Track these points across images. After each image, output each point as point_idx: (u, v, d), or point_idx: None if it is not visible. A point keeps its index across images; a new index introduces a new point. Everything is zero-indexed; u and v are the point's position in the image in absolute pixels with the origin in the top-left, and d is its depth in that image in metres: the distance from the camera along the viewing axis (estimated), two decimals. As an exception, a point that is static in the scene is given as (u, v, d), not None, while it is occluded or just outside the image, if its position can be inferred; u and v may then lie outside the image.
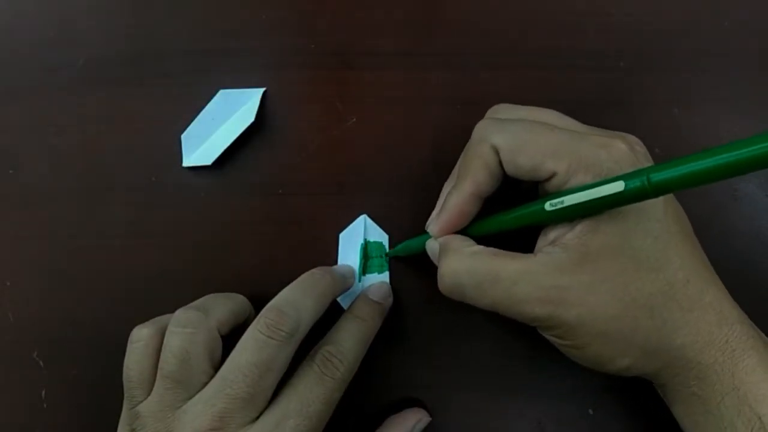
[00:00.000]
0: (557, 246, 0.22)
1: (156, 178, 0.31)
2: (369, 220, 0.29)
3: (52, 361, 0.29)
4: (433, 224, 0.25)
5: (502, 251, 0.23)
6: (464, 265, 0.23)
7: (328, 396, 0.23)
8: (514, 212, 0.23)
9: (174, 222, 0.30)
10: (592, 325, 0.21)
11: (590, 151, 0.21)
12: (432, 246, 0.25)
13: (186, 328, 0.23)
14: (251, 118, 0.30)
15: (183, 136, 0.31)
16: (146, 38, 0.33)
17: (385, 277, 0.28)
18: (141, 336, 0.24)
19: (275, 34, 0.33)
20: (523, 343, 0.28)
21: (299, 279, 0.25)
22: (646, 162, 0.22)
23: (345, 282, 0.27)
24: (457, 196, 0.24)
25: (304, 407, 0.22)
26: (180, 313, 0.24)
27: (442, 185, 0.28)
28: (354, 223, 0.29)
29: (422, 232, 0.26)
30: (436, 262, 0.25)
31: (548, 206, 0.21)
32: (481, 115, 0.30)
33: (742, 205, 0.30)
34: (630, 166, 0.21)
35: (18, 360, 0.29)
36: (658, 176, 0.17)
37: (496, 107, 0.26)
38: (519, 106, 0.25)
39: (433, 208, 0.27)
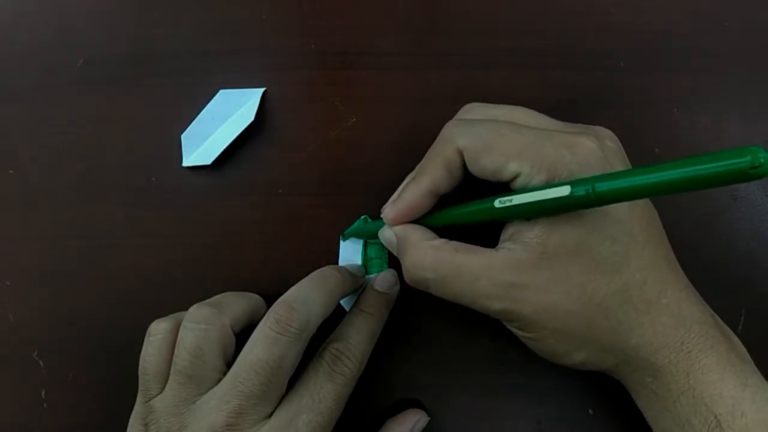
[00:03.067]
0: (517, 243, 0.22)
1: (156, 178, 0.31)
2: (369, 221, 0.29)
3: (52, 362, 0.29)
4: (387, 211, 0.25)
5: (463, 245, 0.23)
6: (428, 259, 0.23)
7: (338, 392, 0.23)
8: (467, 207, 0.23)
9: (174, 222, 0.30)
10: (548, 321, 0.21)
11: (554, 152, 0.21)
12: (387, 234, 0.25)
13: (200, 324, 0.23)
14: (251, 118, 0.30)
15: (183, 136, 0.31)
16: (146, 38, 0.33)
17: None
18: (159, 330, 0.24)
19: (275, 34, 0.33)
20: (522, 342, 0.28)
21: (309, 276, 0.25)
22: (617, 159, 0.22)
23: (355, 280, 0.27)
24: (413, 190, 0.24)
25: (315, 404, 0.22)
26: (194, 310, 0.24)
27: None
28: (355, 224, 0.29)
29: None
30: (390, 249, 0.26)
31: (497, 203, 0.21)
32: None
33: (742, 205, 0.30)
34: (598, 166, 0.21)
35: (18, 360, 0.29)
36: (603, 186, 0.18)
37: (468, 106, 0.26)
38: (492, 105, 0.25)
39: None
